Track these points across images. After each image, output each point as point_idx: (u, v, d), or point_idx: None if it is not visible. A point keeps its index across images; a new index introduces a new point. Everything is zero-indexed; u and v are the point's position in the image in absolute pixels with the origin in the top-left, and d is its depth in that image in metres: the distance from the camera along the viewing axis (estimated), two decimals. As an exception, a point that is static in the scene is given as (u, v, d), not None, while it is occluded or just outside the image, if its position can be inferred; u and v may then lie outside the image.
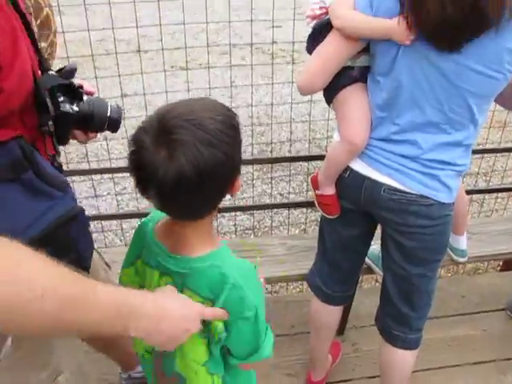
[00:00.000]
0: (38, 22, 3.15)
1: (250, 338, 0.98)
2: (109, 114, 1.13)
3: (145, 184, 0.87)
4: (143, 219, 1.09)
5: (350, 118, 1.44)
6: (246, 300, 0.94)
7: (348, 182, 1.50)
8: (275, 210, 3.11)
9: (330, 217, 1.58)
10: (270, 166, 3.53)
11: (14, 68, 0.91)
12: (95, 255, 1.39)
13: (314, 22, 1.47)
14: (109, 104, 1.14)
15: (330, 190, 1.54)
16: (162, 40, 2.42)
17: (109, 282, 1.44)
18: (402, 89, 1.32)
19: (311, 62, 1.42)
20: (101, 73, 6.32)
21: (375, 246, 1.91)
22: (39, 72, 1.06)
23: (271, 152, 4.14)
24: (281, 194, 3.70)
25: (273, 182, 3.72)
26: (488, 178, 3.47)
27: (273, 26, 2.35)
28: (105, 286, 0.78)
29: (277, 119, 4.93)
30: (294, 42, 2.42)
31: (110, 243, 3.19)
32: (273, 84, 2.91)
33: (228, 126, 0.87)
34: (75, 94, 1.08)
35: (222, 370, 1.05)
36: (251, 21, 2.33)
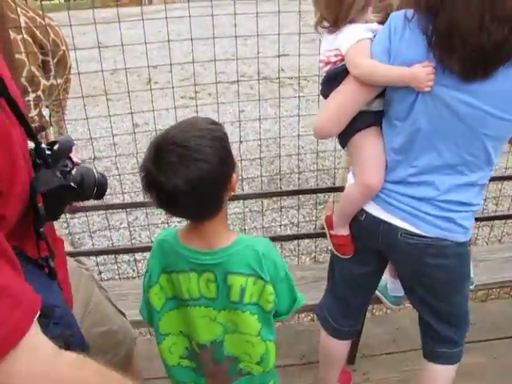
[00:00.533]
0: (55, 60, 3.29)
1: (289, 294, 1.22)
2: (97, 182, 1.08)
3: (159, 199, 1.06)
4: (159, 238, 1.22)
5: (365, 161, 1.44)
6: (277, 264, 1.16)
7: (364, 225, 1.49)
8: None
9: (344, 257, 1.58)
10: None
11: (14, 190, 0.79)
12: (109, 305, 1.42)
13: (328, 67, 1.45)
14: (95, 173, 1.09)
15: (344, 231, 1.54)
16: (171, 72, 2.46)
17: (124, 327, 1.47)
18: (419, 133, 1.32)
19: (327, 106, 1.42)
20: (113, 104, 6.50)
21: (382, 277, 1.92)
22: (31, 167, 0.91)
23: (280, 180, 4.18)
24: (291, 223, 3.72)
25: (282, 210, 3.74)
26: (498, 202, 3.46)
27: (279, 56, 2.39)
28: None
29: (285, 147, 4.98)
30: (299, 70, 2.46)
31: (123, 273, 3.22)
32: (280, 117, 2.94)
33: (210, 138, 1.04)
34: (66, 167, 0.98)
35: (273, 335, 1.23)
36: (257, 55, 2.38)
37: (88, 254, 2.40)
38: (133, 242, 3.30)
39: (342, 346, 1.81)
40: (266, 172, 4.41)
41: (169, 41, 2.32)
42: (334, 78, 1.42)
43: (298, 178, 3.99)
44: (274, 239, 2.67)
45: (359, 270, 1.61)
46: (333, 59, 1.42)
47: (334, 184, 3.86)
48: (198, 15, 2.55)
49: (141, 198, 3.50)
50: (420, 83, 1.24)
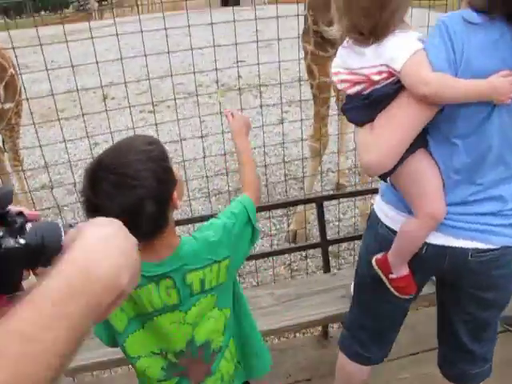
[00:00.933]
0: (3, 84, 3.13)
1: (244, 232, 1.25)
2: (64, 239, 0.81)
3: None
4: None
5: (427, 189, 1.26)
6: (225, 225, 1.20)
7: (426, 257, 1.36)
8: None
9: (406, 297, 1.44)
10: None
11: None
12: None
13: (360, 87, 1.24)
14: (61, 226, 0.83)
15: (405, 270, 1.39)
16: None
17: None
18: (490, 150, 1.21)
19: (384, 138, 1.20)
20: (71, 124, 6.30)
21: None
22: None
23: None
24: (263, 232, 3.66)
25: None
26: None
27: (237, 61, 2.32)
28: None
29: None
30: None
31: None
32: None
33: (147, 160, 1.04)
34: (14, 223, 0.79)
35: (229, 303, 1.25)
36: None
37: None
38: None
39: (367, 370, 1.69)
40: (232, 182, 4.34)
41: (121, 58, 2.24)
42: (380, 100, 1.21)
43: (266, 185, 3.94)
44: (251, 257, 2.63)
45: (407, 302, 1.49)
46: (375, 77, 1.19)
47: (301, 188, 3.82)
48: (150, 30, 2.48)
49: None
50: (502, 95, 1.12)
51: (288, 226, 3.57)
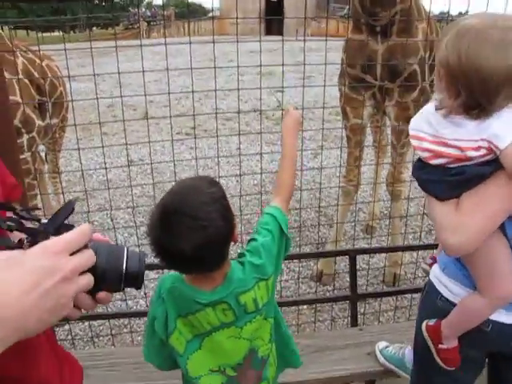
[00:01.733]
0: (52, 100, 3.24)
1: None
2: (125, 267, 0.76)
3: (170, 263, 1.16)
4: (167, 286, 1.24)
5: (501, 272, 1.21)
6: (270, 248, 1.26)
7: (491, 335, 1.29)
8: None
9: (449, 369, 1.37)
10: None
11: None
12: None
13: (441, 160, 1.17)
14: (125, 252, 0.77)
15: (455, 343, 1.34)
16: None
17: None
18: None
19: (473, 221, 1.13)
20: (109, 139, 6.43)
21: (390, 349, 1.84)
22: None
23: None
24: (287, 267, 3.62)
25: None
26: None
27: (282, 91, 2.30)
28: None
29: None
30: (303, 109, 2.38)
31: (120, 341, 3.06)
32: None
33: (213, 202, 1.11)
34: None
35: (272, 312, 1.31)
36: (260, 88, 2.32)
37: (80, 318, 2.27)
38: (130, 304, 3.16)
39: None
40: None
41: (168, 70, 2.23)
42: (472, 179, 1.14)
43: (295, 220, 3.90)
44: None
45: (471, 376, 1.43)
46: (472, 153, 1.11)
47: (329, 226, 3.77)
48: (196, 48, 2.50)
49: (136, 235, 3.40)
50: None
51: (314, 263, 3.52)
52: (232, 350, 1.24)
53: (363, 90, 2.89)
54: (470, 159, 1.12)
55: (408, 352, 1.81)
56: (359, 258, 3.60)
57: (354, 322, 2.17)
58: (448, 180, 1.16)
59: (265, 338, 1.29)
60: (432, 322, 1.35)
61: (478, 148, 1.10)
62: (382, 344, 1.91)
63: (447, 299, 1.32)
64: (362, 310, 3.02)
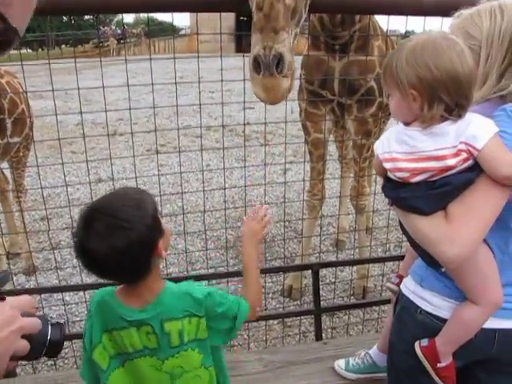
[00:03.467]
0: (13, 118, 3.18)
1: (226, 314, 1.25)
2: (49, 337, 0.84)
3: (89, 265, 1.15)
4: (97, 299, 1.25)
5: (490, 278, 1.23)
6: (215, 299, 1.24)
7: (476, 343, 1.29)
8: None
9: None
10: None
11: None
12: None
13: (423, 176, 1.15)
14: (49, 322, 0.85)
15: (450, 358, 1.32)
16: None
17: None
18: None
19: (466, 229, 1.13)
20: (77, 157, 6.35)
21: (353, 362, 1.86)
22: None
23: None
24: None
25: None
26: None
27: (244, 108, 2.31)
28: None
29: (252, 203, 4.93)
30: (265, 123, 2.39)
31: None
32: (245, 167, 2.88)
33: (138, 207, 1.14)
34: None
35: (211, 361, 1.28)
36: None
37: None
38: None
39: None
40: (231, 230, 4.33)
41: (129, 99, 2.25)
42: (459, 187, 1.14)
43: (264, 241, 3.91)
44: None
45: None
46: (454, 161, 1.11)
47: (299, 242, 3.81)
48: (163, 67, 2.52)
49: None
50: None
51: (284, 278, 3.53)
52: (150, 379, 1.23)
53: (322, 104, 2.95)
54: (453, 168, 1.12)
55: (374, 352, 1.82)
56: (328, 272, 3.64)
57: (319, 336, 2.18)
58: (434, 193, 1.15)
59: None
60: (425, 343, 1.32)
61: (459, 152, 1.11)
62: (340, 362, 1.91)
63: (427, 312, 1.32)
64: (332, 324, 3.05)
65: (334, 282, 3.10)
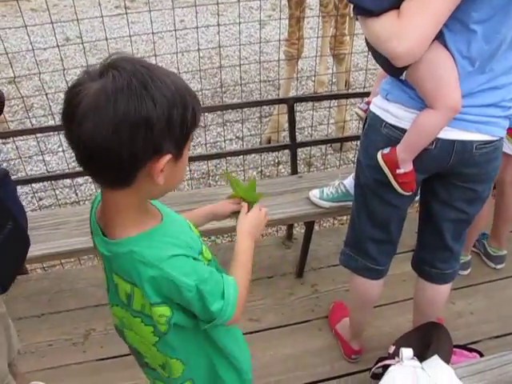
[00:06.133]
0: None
1: (200, 312, 0.91)
2: None
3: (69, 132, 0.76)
4: (94, 198, 0.97)
5: (445, 79, 1.21)
6: (180, 287, 0.85)
7: (435, 153, 1.33)
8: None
9: (406, 193, 1.42)
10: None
11: None
12: None
13: None
14: None
15: (410, 166, 1.36)
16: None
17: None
18: (509, 33, 1.16)
19: (415, 24, 1.12)
20: (39, 15, 5.92)
21: (327, 191, 1.92)
22: None
23: (224, 94, 4.01)
24: (236, 137, 3.62)
25: (227, 124, 3.62)
26: None
27: None
28: None
29: (228, 59, 4.76)
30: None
31: (65, 198, 3.07)
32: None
33: (177, 93, 0.76)
34: None
35: (176, 353, 1.00)
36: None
37: (24, 182, 2.26)
38: (73, 164, 3.13)
39: (381, 284, 1.68)
40: (209, 85, 4.23)
41: None
42: None
43: (242, 91, 3.85)
44: (218, 156, 2.62)
45: (407, 200, 1.48)
46: None
47: (278, 95, 3.75)
48: None
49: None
50: None
51: (261, 131, 3.54)
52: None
53: None
54: None
55: (348, 182, 1.88)
56: (306, 121, 3.63)
57: (294, 170, 2.23)
58: None
59: (154, 360, 1.03)
60: (387, 151, 1.37)
61: None
62: (314, 192, 1.96)
63: (391, 125, 1.35)
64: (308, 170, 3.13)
65: (312, 126, 3.11)
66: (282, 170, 3.20)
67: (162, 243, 0.85)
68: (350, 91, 3.66)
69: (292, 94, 3.70)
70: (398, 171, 1.36)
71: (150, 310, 0.89)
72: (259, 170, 3.18)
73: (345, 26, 3.17)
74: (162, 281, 0.84)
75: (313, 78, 4.44)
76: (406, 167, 1.36)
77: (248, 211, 1.11)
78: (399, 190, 1.40)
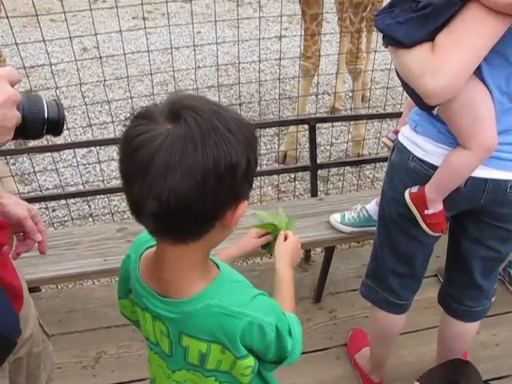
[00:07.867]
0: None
1: (276, 353, 0.87)
2: (46, 115, 0.80)
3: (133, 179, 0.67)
4: (129, 250, 0.90)
5: (483, 119, 1.14)
6: (264, 330, 0.80)
7: (465, 192, 1.26)
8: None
9: (435, 234, 1.36)
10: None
11: None
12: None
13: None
14: (44, 100, 0.80)
15: (440, 206, 1.30)
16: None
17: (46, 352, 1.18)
18: None
19: (453, 59, 1.03)
20: (58, 26, 5.97)
21: (349, 216, 1.86)
22: None
23: (240, 107, 3.98)
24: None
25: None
26: None
27: None
28: None
29: (245, 71, 4.74)
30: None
31: (78, 209, 3.04)
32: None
33: (249, 132, 0.72)
34: None
35: None
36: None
37: (39, 199, 2.24)
38: (86, 175, 3.11)
39: (403, 319, 1.62)
40: (224, 98, 4.20)
41: None
42: (440, 12, 1.02)
43: (259, 104, 3.81)
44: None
45: (434, 242, 1.43)
46: None
47: (294, 109, 3.71)
48: None
49: (94, 133, 3.27)
50: None
51: (278, 146, 3.49)
52: (159, 379, 0.97)
53: None
54: None
55: (371, 207, 1.82)
56: (323, 139, 3.58)
57: (315, 193, 2.18)
58: (415, 17, 1.05)
59: None
60: (415, 190, 1.30)
61: None
62: (335, 216, 1.90)
63: (419, 158, 1.28)
64: (323, 189, 3.07)
65: (331, 144, 3.06)
66: (298, 186, 3.14)
67: (236, 287, 0.81)
68: (370, 112, 3.60)
69: (308, 107, 3.66)
70: (426, 212, 1.29)
71: (228, 365, 0.84)
72: (275, 185, 3.13)
73: (361, 41, 3.13)
74: (250, 328, 0.79)
75: (330, 92, 4.40)
76: (436, 207, 1.29)
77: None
78: (428, 231, 1.33)
